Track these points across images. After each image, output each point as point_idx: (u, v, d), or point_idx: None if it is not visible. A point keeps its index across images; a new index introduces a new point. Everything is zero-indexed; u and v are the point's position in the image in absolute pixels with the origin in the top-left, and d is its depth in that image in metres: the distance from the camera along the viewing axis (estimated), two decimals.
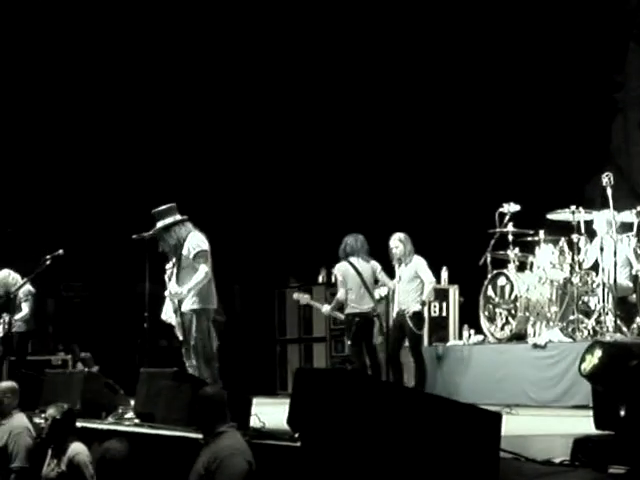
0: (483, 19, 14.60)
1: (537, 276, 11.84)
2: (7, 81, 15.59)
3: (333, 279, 15.07)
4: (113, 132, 16.29)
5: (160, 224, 9.38)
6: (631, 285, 11.22)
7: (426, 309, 11.75)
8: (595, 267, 11.43)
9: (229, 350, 12.60)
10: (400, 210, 14.30)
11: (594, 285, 11.38)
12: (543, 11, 14.18)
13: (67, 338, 15.96)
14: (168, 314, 10.06)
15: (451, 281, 13.48)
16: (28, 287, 12.56)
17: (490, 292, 12.18)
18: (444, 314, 13.38)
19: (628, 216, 11.33)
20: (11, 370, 12.08)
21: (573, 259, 11.53)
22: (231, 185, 16.47)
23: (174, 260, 9.50)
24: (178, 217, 9.42)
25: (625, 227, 11.35)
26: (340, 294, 11.13)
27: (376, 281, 11.25)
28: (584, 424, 6.82)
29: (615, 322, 10.94)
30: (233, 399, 7.34)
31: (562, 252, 11.69)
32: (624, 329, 10.90)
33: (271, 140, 16.37)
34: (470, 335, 12.64)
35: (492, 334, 12.16)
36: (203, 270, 9.20)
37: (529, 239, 12.12)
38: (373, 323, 11.09)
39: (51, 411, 7.81)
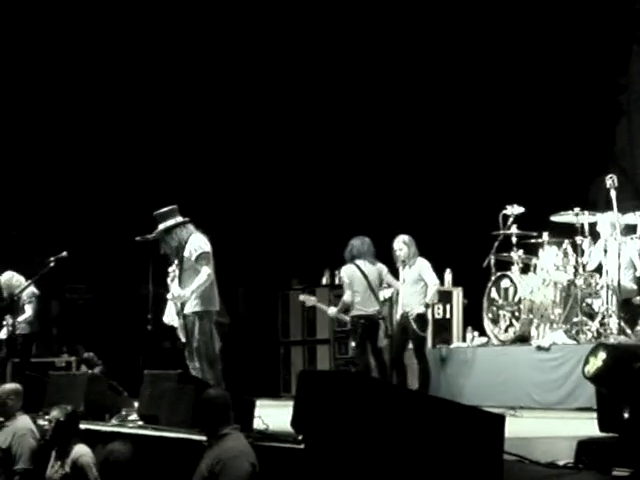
0: (487, 21, 14.60)
1: (541, 278, 11.83)
2: (12, 84, 15.61)
3: (337, 281, 15.13)
4: (117, 135, 16.30)
5: (161, 226, 9.38)
6: (635, 287, 11.22)
7: (430, 311, 11.74)
8: (599, 269, 11.42)
9: (233, 352, 12.60)
10: (404, 212, 14.29)
11: (598, 287, 11.37)
12: (547, 13, 14.17)
13: (71, 340, 15.96)
14: (171, 316, 10.07)
15: (455, 283, 13.48)
16: (32, 289, 12.57)
17: (494, 294, 12.17)
18: (448, 316, 13.37)
19: (632, 218, 11.33)
20: (15, 372, 12.09)
21: (577, 261, 11.53)
22: (235, 188, 16.47)
23: (176, 263, 9.51)
24: (179, 219, 9.41)
25: (629, 229, 11.34)
26: (346, 296, 11.13)
27: (380, 283, 11.26)
28: (588, 426, 6.82)
29: (619, 324, 10.92)
30: (237, 401, 7.34)
31: (566, 254, 11.68)
32: (628, 331, 10.89)
33: (275, 143, 16.37)
34: (474, 337, 12.64)
35: (496, 336, 12.16)
36: (205, 272, 9.20)
37: (533, 241, 12.12)
38: (379, 326, 11.10)
39: (55, 413, 7.81)
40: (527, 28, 14.29)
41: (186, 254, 9.30)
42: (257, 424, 8.19)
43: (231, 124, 16.40)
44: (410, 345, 11.21)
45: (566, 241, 11.69)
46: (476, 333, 12.64)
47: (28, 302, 12.58)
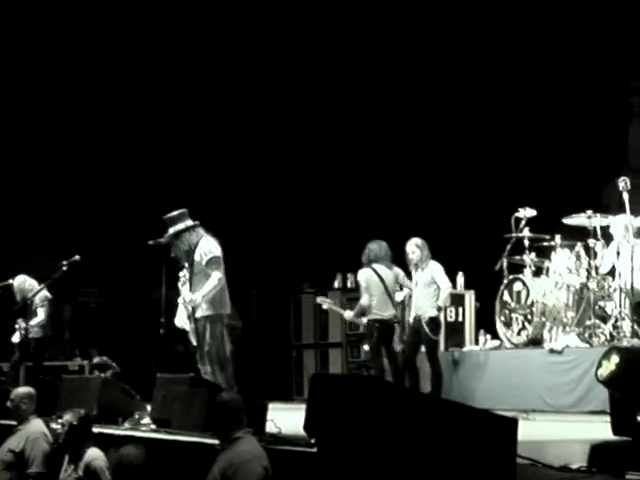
0: (501, 24, 14.58)
1: (553, 281, 11.81)
2: (24, 90, 15.66)
3: (349, 284, 15.14)
4: (130, 139, 16.34)
5: (171, 230, 9.39)
6: None
7: (442, 314, 11.73)
8: (612, 272, 11.39)
9: (245, 355, 12.62)
10: (416, 215, 14.28)
11: (611, 290, 11.34)
12: (560, 16, 14.15)
13: (84, 344, 16.00)
14: (182, 320, 10.09)
15: (467, 286, 13.46)
16: (45, 293, 12.61)
17: (506, 297, 12.15)
18: (460, 319, 13.35)
19: None
20: (28, 376, 12.14)
21: (589, 264, 11.50)
22: (248, 191, 16.49)
23: (186, 266, 9.52)
24: (189, 223, 9.42)
25: None
26: (363, 300, 11.12)
27: (400, 287, 11.28)
28: (601, 430, 6.80)
29: (632, 327, 10.90)
30: (249, 405, 7.34)
31: (578, 257, 11.66)
32: None
33: (287, 147, 16.38)
34: (486, 340, 12.62)
35: (508, 339, 12.13)
36: (216, 277, 9.21)
37: (545, 244, 12.09)
38: (394, 329, 11.10)
39: (68, 417, 7.82)
40: (540, 31, 14.27)
41: (196, 258, 9.30)
42: (270, 427, 8.20)
43: (243, 128, 16.42)
44: (423, 348, 11.20)
45: (579, 244, 11.67)
46: (488, 336, 12.62)
47: (41, 306, 12.62)
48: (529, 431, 7.13)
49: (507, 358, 11.99)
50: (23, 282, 12.71)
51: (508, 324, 12.12)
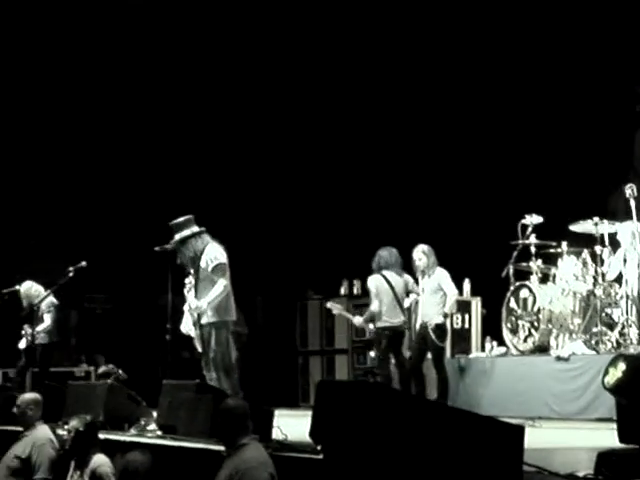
0: (507, 30, 14.57)
1: (560, 288, 11.80)
2: (30, 97, 15.70)
3: (355, 291, 15.14)
4: (136, 145, 16.36)
5: (177, 237, 9.39)
6: None
7: (448, 321, 11.72)
8: (618, 279, 11.37)
9: (251, 362, 12.62)
10: (423, 222, 14.28)
11: (617, 297, 11.32)
12: (566, 23, 14.14)
13: (90, 350, 16.01)
14: (188, 326, 10.08)
15: (473, 293, 13.45)
16: (51, 299, 12.62)
17: (513, 304, 12.14)
18: (466, 326, 13.35)
19: None
20: (34, 381, 12.15)
21: (596, 271, 11.49)
22: (253, 198, 16.49)
23: (192, 272, 9.53)
24: (195, 229, 9.42)
25: None
26: (374, 306, 11.13)
27: (407, 294, 11.29)
28: (608, 437, 6.78)
29: (639, 334, 10.87)
30: (255, 411, 7.33)
31: (585, 264, 11.65)
32: None
33: (293, 154, 16.38)
34: (492, 347, 12.60)
35: (515, 346, 12.12)
36: (222, 284, 9.21)
37: (552, 251, 12.08)
38: (403, 336, 11.11)
39: (74, 423, 7.82)
40: (547, 38, 14.26)
41: (202, 264, 9.31)
42: (276, 434, 8.19)
43: (248, 135, 16.42)
44: (429, 355, 11.20)
45: (585, 251, 11.65)
46: (495, 343, 12.61)
47: (47, 312, 12.63)
48: (535, 438, 7.11)
49: (513, 365, 11.98)
50: (30, 288, 12.72)
51: (514, 331, 12.11)
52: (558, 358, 11.27)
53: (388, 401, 5.75)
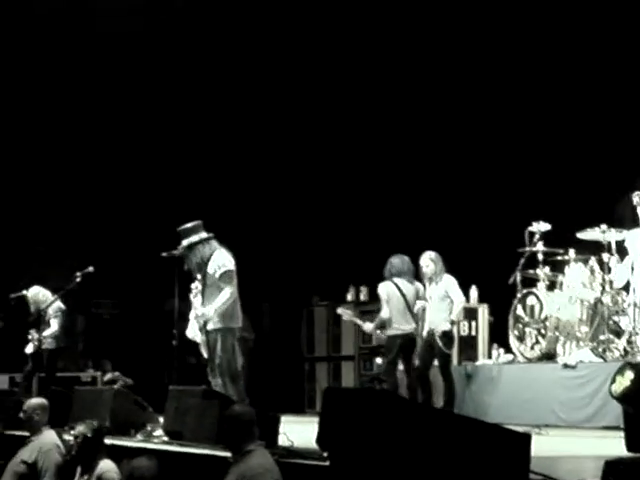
0: (515, 36, 14.57)
1: (567, 295, 11.78)
2: (37, 103, 15.74)
3: (363, 297, 15.13)
4: (144, 150, 16.38)
5: (185, 242, 9.38)
6: None
7: (455, 328, 11.71)
8: (626, 287, 11.35)
9: (258, 368, 12.62)
10: (430, 228, 14.27)
11: (625, 305, 11.29)
12: (574, 32, 14.13)
13: (97, 355, 16.03)
14: (194, 332, 10.09)
15: (480, 300, 13.44)
16: (58, 304, 12.65)
17: (520, 311, 12.12)
18: (473, 333, 13.33)
19: None
20: (41, 386, 12.17)
21: (604, 278, 11.47)
22: (261, 204, 16.50)
23: (199, 278, 9.52)
24: (203, 235, 9.40)
25: None
26: (384, 313, 11.12)
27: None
28: (615, 446, 6.78)
29: None
30: (261, 417, 7.33)
31: (592, 271, 11.63)
32: None
33: (299, 160, 16.39)
34: (499, 354, 12.59)
35: (522, 353, 12.10)
36: (228, 291, 9.19)
37: (559, 258, 12.06)
38: (415, 343, 11.10)
39: (81, 428, 7.82)
40: (555, 48, 14.25)
41: (210, 271, 9.29)
42: (282, 440, 8.18)
43: (257, 142, 16.44)
44: (436, 362, 11.19)
45: (593, 258, 11.64)
46: (502, 350, 12.59)
47: (54, 317, 12.65)
48: (542, 446, 7.10)
49: (520, 372, 11.95)
50: (37, 293, 12.74)
51: (521, 338, 12.09)
52: (565, 366, 11.25)
53: (394, 408, 5.74)
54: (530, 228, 12.07)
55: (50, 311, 12.55)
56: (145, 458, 7.51)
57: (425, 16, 15.11)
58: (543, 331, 11.84)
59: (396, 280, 11.09)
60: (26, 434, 8.79)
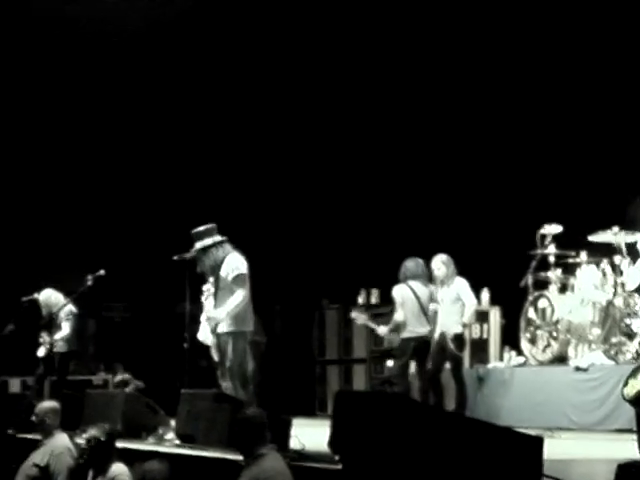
0: (526, 38, 14.55)
1: (579, 298, 11.75)
2: (46, 107, 15.78)
3: (374, 300, 15.11)
4: (157, 154, 16.41)
5: (198, 245, 9.38)
6: None
7: (467, 331, 11.69)
8: (638, 289, 11.32)
9: (269, 371, 12.61)
10: (442, 231, 14.26)
11: (637, 307, 11.27)
12: (584, 36, 14.11)
13: (108, 358, 16.05)
14: (205, 334, 10.08)
15: (492, 303, 13.41)
16: (70, 307, 12.65)
17: (531, 314, 12.10)
18: (485, 336, 13.31)
19: None
20: (52, 390, 12.18)
21: (615, 281, 11.44)
22: (273, 207, 16.52)
23: (212, 281, 9.52)
24: (217, 238, 9.40)
25: None
26: (398, 316, 11.10)
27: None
28: (628, 448, 6.76)
29: None
30: (273, 420, 7.33)
31: (604, 274, 11.60)
32: None
33: (310, 165, 16.39)
34: (511, 357, 12.56)
35: (533, 356, 12.08)
36: (241, 294, 9.18)
37: (571, 260, 12.05)
38: (429, 347, 11.07)
39: (93, 432, 7.82)
40: (564, 47, 14.23)
41: (222, 274, 9.29)
42: (294, 444, 8.17)
43: (268, 145, 16.45)
44: (447, 365, 11.17)
45: (604, 261, 11.61)
46: (513, 353, 12.56)
47: (66, 320, 12.65)
48: (554, 449, 7.08)
49: (532, 375, 11.94)
50: (49, 296, 12.75)
51: (533, 341, 12.07)
52: (577, 368, 11.23)
53: (406, 411, 5.73)
54: (542, 230, 12.05)
55: (62, 314, 12.56)
56: (157, 461, 7.52)
57: (441, 18, 15.10)
58: (555, 334, 11.83)
59: (411, 283, 11.07)
60: (38, 437, 8.80)
